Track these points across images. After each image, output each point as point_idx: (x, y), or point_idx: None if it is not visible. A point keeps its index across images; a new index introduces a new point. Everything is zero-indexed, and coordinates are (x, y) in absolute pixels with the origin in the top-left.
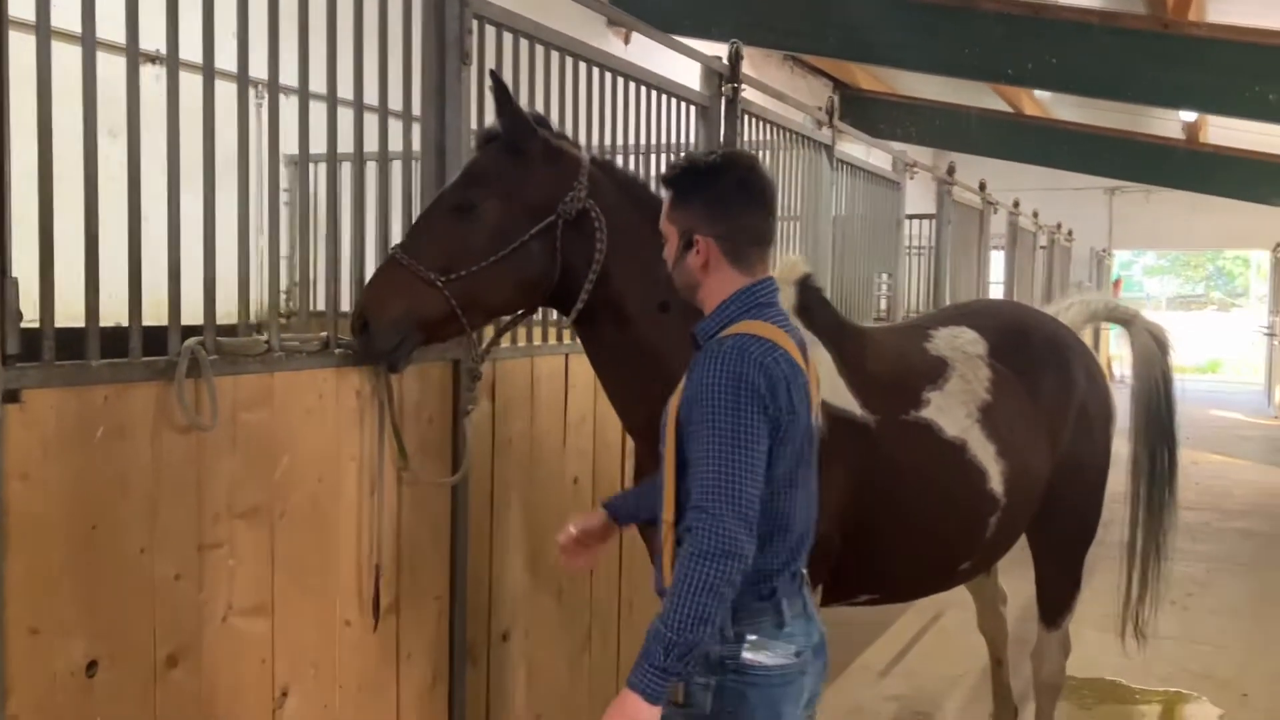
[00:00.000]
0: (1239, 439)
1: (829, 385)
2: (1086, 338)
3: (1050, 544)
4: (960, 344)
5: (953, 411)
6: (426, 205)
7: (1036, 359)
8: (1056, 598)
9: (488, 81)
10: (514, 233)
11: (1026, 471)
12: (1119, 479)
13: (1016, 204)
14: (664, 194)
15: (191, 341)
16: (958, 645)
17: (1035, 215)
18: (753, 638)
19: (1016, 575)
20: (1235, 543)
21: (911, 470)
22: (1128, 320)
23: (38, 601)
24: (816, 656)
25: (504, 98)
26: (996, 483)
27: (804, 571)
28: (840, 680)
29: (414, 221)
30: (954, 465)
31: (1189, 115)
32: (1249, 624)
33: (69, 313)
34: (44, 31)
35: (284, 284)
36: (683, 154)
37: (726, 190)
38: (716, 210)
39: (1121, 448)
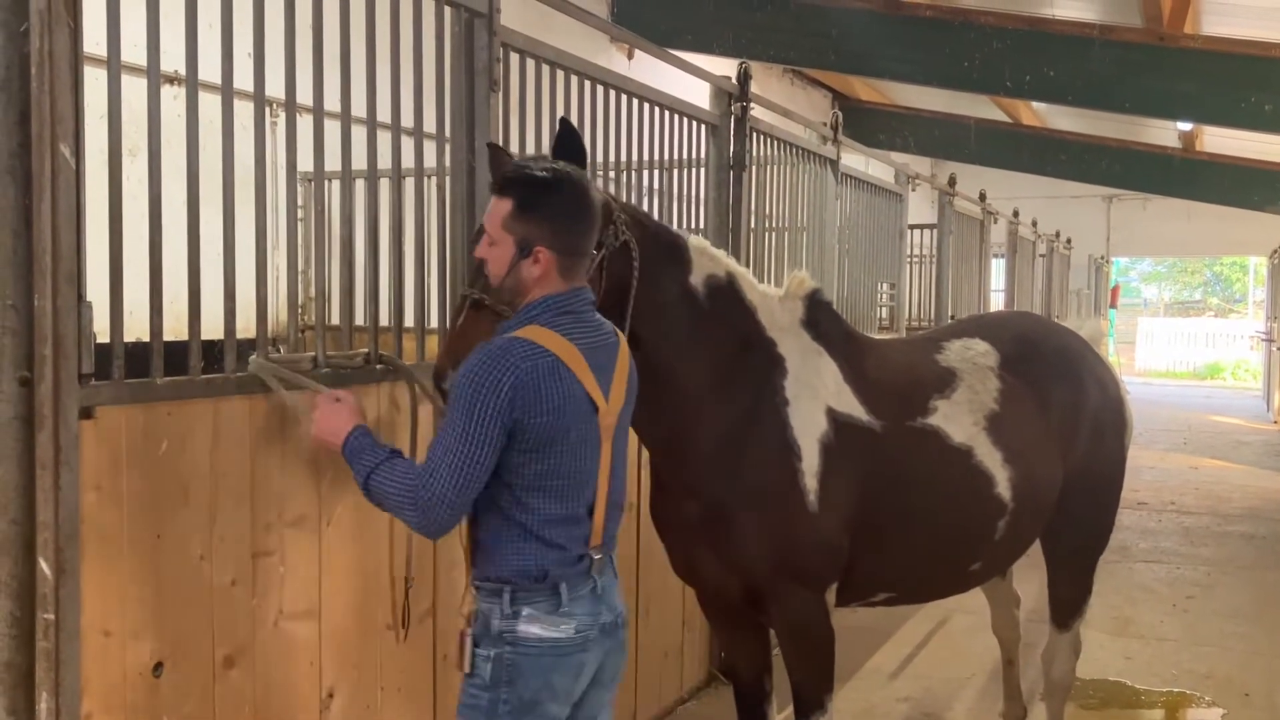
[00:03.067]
0: (1238, 444)
1: (835, 392)
2: None
3: (1063, 549)
4: (971, 355)
5: (959, 419)
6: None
7: (1048, 370)
8: (1068, 601)
9: (515, 105)
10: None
11: (1035, 478)
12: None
13: (1016, 213)
14: (495, 199)
15: (253, 359)
16: (965, 648)
17: (1035, 224)
18: (528, 612)
19: (1024, 578)
20: (1235, 546)
21: (918, 473)
22: None
23: (109, 605)
24: (606, 636)
25: (575, 140)
26: (1004, 488)
27: (596, 558)
28: (852, 682)
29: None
30: (960, 470)
31: (1185, 124)
32: (1250, 625)
33: (132, 325)
34: (114, 66)
35: (299, 299)
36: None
37: (568, 206)
38: (560, 226)
39: (1137, 456)
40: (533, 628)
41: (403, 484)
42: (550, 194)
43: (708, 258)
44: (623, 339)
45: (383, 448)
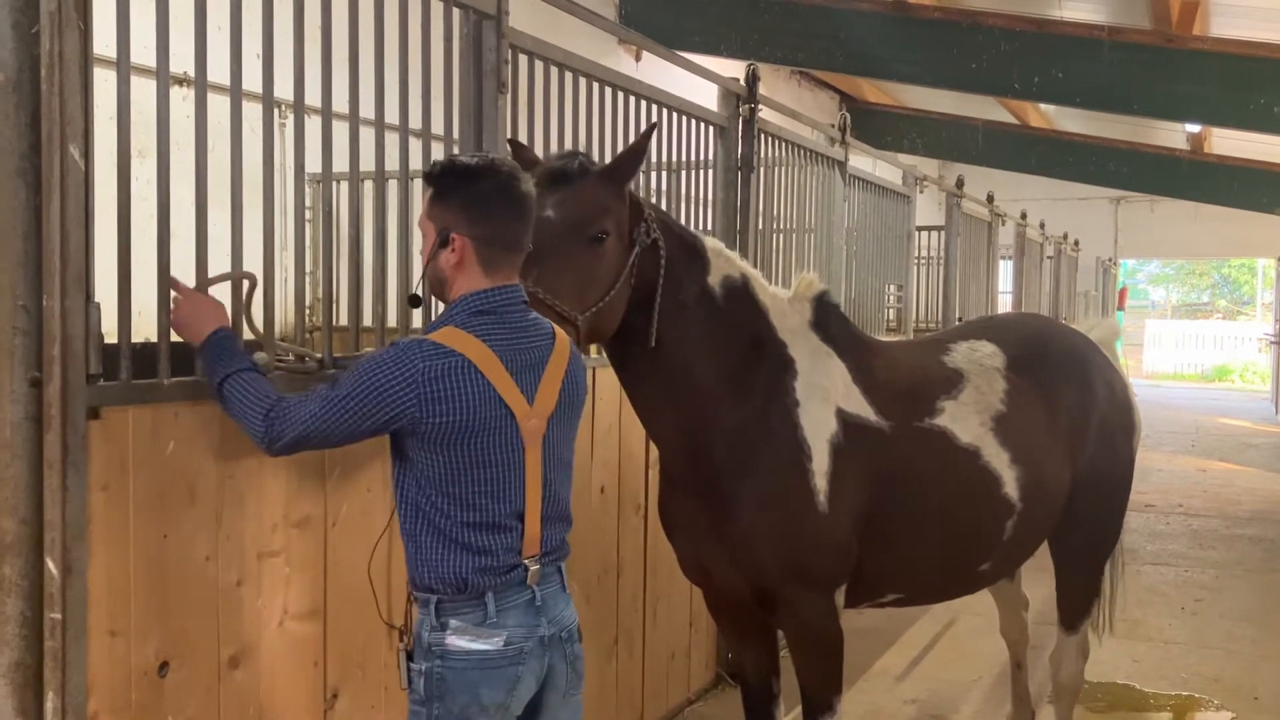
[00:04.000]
0: (1246, 446)
1: (844, 393)
2: None
3: (1071, 551)
4: (978, 357)
5: (966, 420)
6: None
7: (1055, 372)
8: (1076, 603)
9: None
10: (623, 263)
11: (1042, 479)
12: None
13: (1024, 215)
14: (425, 190)
15: (260, 357)
16: (972, 650)
17: (1042, 226)
18: (456, 624)
19: (1032, 581)
20: (1243, 548)
21: (925, 474)
22: None
23: (116, 606)
24: (548, 649)
25: (635, 151)
26: (1011, 488)
27: (533, 568)
28: (859, 684)
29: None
30: (967, 470)
31: (1193, 126)
32: (1258, 628)
33: (140, 325)
34: (124, 68)
35: (307, 299)
36: (708, 170)
37: (487, 194)
38: (476, 212)
39: (1145, 458)
40: (460, 640)
41: (259, 396)
42: (469, 180)
43: (724, 259)
44: (561, 339)
45: (243, 355)
